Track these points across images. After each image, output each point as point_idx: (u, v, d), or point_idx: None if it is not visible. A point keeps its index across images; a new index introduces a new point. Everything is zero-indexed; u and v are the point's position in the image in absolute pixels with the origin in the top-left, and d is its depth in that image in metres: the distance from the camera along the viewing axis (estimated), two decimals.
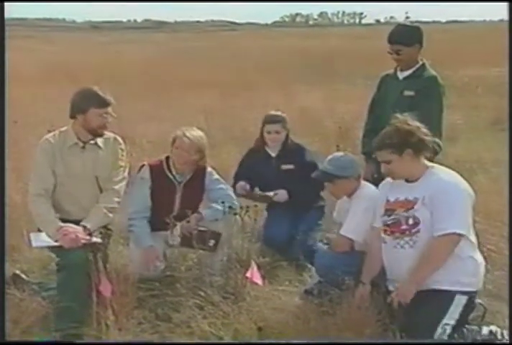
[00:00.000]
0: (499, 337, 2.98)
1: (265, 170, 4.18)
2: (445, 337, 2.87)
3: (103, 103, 3.45)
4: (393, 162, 3.00)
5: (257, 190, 4.13)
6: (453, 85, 11.96)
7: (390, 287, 3.11)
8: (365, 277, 3.18)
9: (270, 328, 3.06)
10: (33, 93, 11.00)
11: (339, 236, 3.45)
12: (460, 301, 2.94)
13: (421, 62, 4.02)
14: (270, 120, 4.25)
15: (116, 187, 3.57)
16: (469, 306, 2.99)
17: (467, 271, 2.99)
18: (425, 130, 3.02)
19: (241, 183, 4.13)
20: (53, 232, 3.30)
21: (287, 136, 4.28)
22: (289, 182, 4.08)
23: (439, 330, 2.87)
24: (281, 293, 3.29)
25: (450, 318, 2.90)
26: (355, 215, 3.41)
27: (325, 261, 3.35)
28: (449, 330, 2.89)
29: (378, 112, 4.08)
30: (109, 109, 3.48)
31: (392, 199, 3.12)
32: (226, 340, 2.95)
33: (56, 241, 3.28)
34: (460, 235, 2.91)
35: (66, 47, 28.03)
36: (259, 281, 3.25)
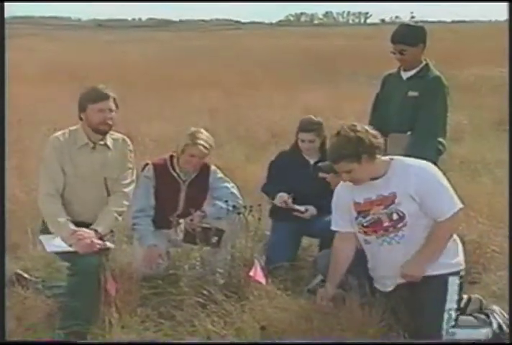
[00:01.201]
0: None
1: (301, 177, 4.01)
2: (452, 322, 2.92)
3: (98, 97, 3.35)
4: (354, 171, 2.97)
5: (290, 203, 3.97)
6: (458, 85, 11.93)
7: (380, 287, 3.13)
8: (331, 280, 3.18)
9: (273, 327, 3.06)
10: (37, 92, 11.02)
11: None
12: (454, 282, 3.00)
13: (424, 62, 3.99)
14: (304, 128, 4.05)
15: (126, 190, 3.55)
16: (462, 285, 3.06)
17: (450, 252, 3.04)
18: (373, 132, 2.99)
19: (284, 195, 3.96)
20: (66, 236, 3.25)
21: (325, 143, 4.07)
22: (324, 192, 3.82)
23: (446, 316, 2.92)
24: (284, 292, 3.29)
25: (451, 302, 2.96)
26: None
27: (327, 261, 3.35)
28: (453, 314, 2.94)
29: (382, 112, 4.07)
30: (108, 104, 3.37)
31: (361, 200, 3.08)
32: (229, 338, 2.95)
33: (70, 245, 3.23)
34: (461, 209, 2.99)
35: (71, 46, 28.08)
36: (262, 280, 3.25)
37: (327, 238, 3.81)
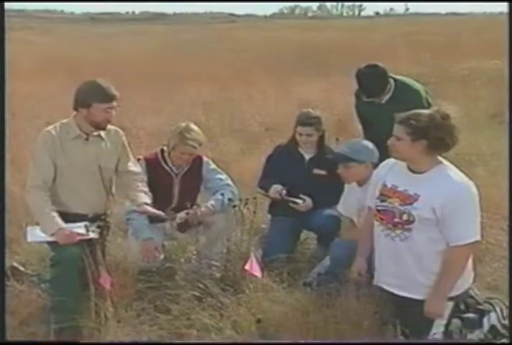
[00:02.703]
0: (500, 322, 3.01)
1: (296, 172, 3.98)
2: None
3: (108, 98, 3.36)
4: (403, 142, 2.84)
5: (285, 195, 3.93)
6: (453, 77, 11.96)
7: (385, 286, 3.04)
8: (362, 253, 3.15)
9: (269, 320, 3.07)
10: (31, 85, 10.97)
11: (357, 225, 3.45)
12: (446, 307, 2.91)
13: (392, 82, 4.02)
14: (302, 122, 4.00)
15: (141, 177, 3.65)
16: (460, 305, 2.95)
17: None
18: (455, 133, 2.85)
19: (278, 187, 3.93)
20: (48, 227, 3.26)
21: (323, 137, 4.08)
22: (318, 188, 3.88)
23: (430, 339, 2.87)
24: (280, 285, 3.30)
25: (438, 326, 2.89)
26: None
27: (342, 250, 3.34)
28: (439, 336, 2.88)
29: (376, 139, 3.80)
30: (114, 103, 3.39)
31: (388, 184, 2.98)
32: (225, 332, 2.95)
33: (51, 235, 3.23)
34: (477, 242, 2.87)
35: (65, 39, 27.93)
36: (258, 273, 3.25)
37: (325, 233, 3.82)
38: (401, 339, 2.84)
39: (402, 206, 2.89)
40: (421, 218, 2.84)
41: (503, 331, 2.99)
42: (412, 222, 2.87)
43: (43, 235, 3.28)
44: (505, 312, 3.05)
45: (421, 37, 20.40)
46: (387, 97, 4.05)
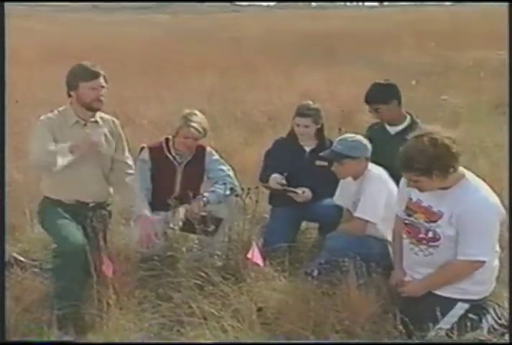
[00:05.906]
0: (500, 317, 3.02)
1: (297, 164, 3.99)
2: (436, 339, 2.86)
3: (91, 76, 3.36)
4: (421, 182, 2.85)
5: (284, 184, 3.93)
6: (457, 68, 11.91)
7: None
8: (398, 263, 3.17)
9: (270, 309, 3.09)
10: (34, 73, 10.95)
11: (355, 219, 3.47)
12: (462, 307, 2.93)
13: (409, 118, 3.97)
14: (300, 113, 4.00)
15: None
16: (473, 311, 2.95)
17: (476, 280, 2.92)
18: (454, 150, 2.79)
19: (278, 176, 3.93)
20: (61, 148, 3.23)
21: (322, 129, 4.07)
22: (318, 180, 3.88)
23: (432, 333, 2.86)
24: (281, 274, 3.31)
25: (446, 323, 2.89)
26: (370, 196, 3.41)
27: (338, 243, 3.36)
28: (442, 333, 2.88)
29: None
30: (100, 81, 3.38)
31: (414, 198, 3.02)
32: (226, 320, 2.97)
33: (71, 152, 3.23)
34: (484, 262, 2.86)
35: (67, 27, 27.80)
36: (260, 262, 3.26)
37: (327, 222, 3.83)
38: (400, 329, 2.84)
39: (427, 223, 2.94)
40: (446, 236, 2.89)
41: (501, 329, 2.99)
42: (438, 240, 2.91)
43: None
44: (499, 311, 3.06)
45: (426, 26, 20.25)
46: (399, 128, 3.96)
